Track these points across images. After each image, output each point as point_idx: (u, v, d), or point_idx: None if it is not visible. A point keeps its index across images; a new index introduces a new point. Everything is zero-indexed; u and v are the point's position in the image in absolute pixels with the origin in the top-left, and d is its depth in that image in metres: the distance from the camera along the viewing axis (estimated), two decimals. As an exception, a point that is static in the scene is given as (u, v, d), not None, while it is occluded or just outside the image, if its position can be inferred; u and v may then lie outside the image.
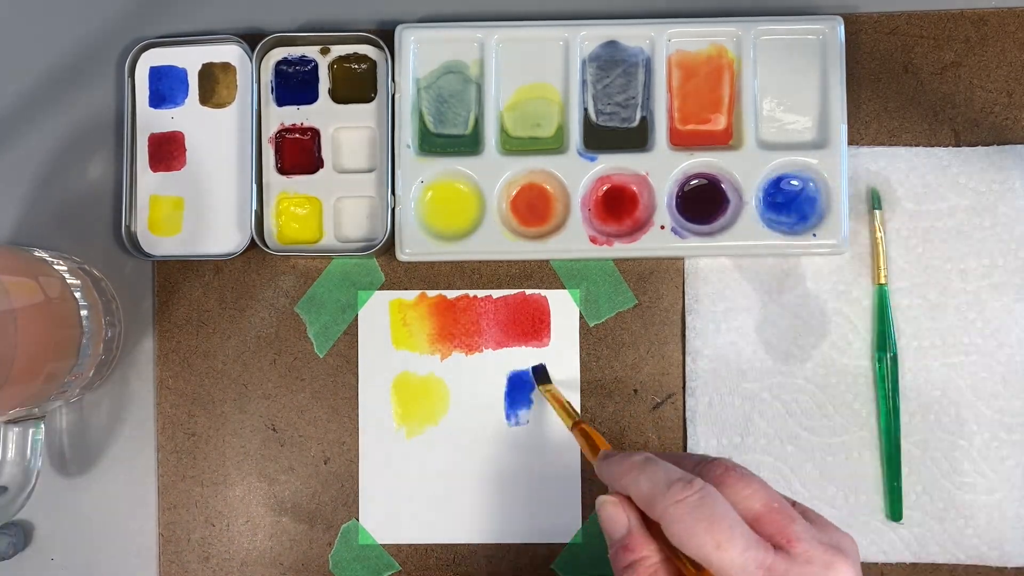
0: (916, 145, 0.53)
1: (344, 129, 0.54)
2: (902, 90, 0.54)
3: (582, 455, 0.53)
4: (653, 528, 0.38)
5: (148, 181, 0.55)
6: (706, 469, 0.38)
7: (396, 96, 0.53)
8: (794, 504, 0.38)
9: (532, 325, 0.54)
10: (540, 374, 0.53)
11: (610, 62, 0.54)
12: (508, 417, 0.54)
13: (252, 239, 0.53)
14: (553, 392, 0.51)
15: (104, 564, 0.54)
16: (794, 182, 0.52)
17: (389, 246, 0.54)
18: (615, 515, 0.39)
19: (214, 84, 0.55)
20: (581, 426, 0.46)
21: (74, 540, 0.54)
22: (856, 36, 0.54)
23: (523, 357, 0.54)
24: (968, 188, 0.53)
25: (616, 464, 0.39)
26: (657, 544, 0.37)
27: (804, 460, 0.52)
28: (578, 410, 0.49)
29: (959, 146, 0.53)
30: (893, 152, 0.53)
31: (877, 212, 0.53)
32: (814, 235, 0.52)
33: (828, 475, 0.52)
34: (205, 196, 0.55)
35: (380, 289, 0.54)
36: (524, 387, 0.54)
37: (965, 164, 0.53)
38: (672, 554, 0.37)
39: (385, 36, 0.54)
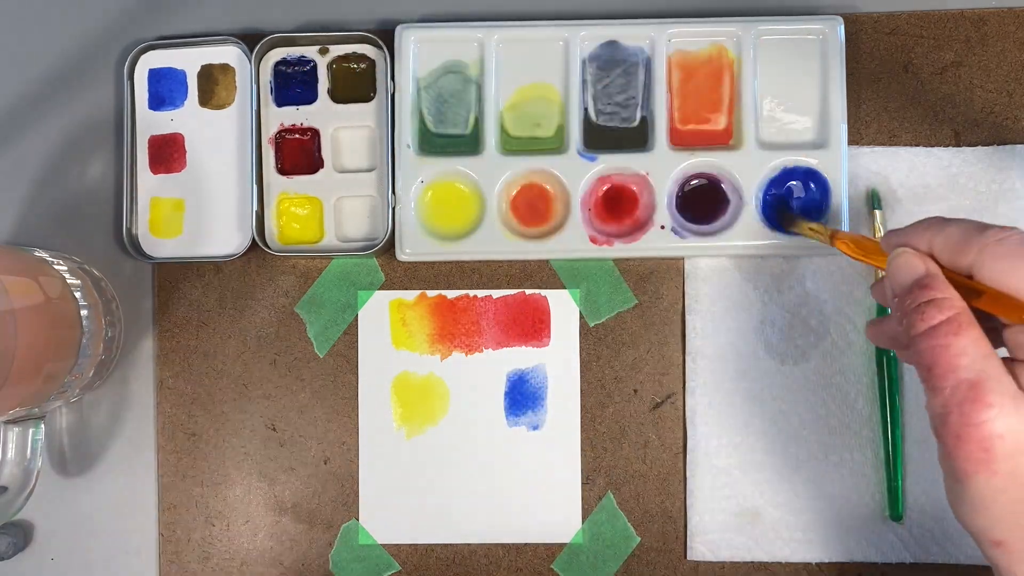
0: (916, 145, 0.53)
1: (344, 129, 0.54)
2: (902, 90, 0.54)
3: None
4: None
5: (148, 183, 0.55)
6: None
7: (396, 96, 0.53)
8: None
9: (532, 325, 0.54)
10: (786, 217, 0.52)
11: (610, 62, 0.53)
12: (508, 417, 0.54)
13: (253, 240, 0.53)
14: (806, 224, 0.49)
15: (104, 564, 0.54)
16: (794, 182, 0.52)
17: (389, 246, 0.54)
18: (912, 261, 0.37)
19: (213, 85, 0.55)
20: (839, 236, 0.45)
21: (74, 540, 0.55)
22: (856, 36, 0.54)
23: (523, 357, 0.54)
24: (968, 188, 0.53)
25: (914, 225, 0.38)
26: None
27: (804, 460, 0.52)
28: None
29: (959, 146, 0.53)
30: (893, 152, 0.53)
31: (877, 212, 0.53)
32: (814, 235, 0.52)
33: (828, 475, 0.52)
34: (205, 198, 0.55)
35: (380, 289, 0.54)
36: (524, 387, 0.54)
37: (965, 164, 0.53)
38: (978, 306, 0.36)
39: (384, 36, 0.54)
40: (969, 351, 0.34)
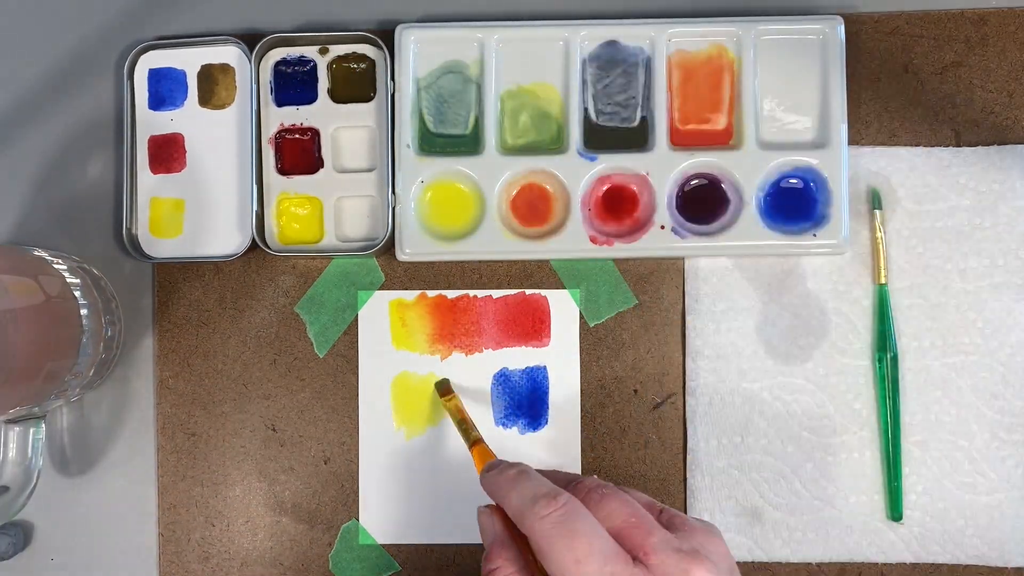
0: (916, 145, 0.53)
1: (344, 129, 0.54)
2: (902, 90, 0.54)
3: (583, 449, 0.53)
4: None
5: (148, 183, 0.55)
6: (574, 488, 0.39)
7: (396, 96, 0.53)
8: (661, 511, 0.40)
9: (532, 325, 0.54)
10: (442, 387, 0.53)
11: (610, 62, 0.53)
12: (508, 417, 0.54)
13: (253, 240, 0.53)
14: (456, 404, 0.51)
15: (104, 564, 0.54)
16: (794, 181, 0.52)
17: (389, 246, 0.54)
18: (484, 524, 0.41)
19: (213, 85, 0.55)
20: (480, 446, 0.47)
21: (74, 540, 0.55)
22: (856, 36, 0.54)
23: (523, 357, 0.54)
24: (968, 188, 0.53)
25: (494, 477, 0.41)
26: (521, 554, 0.39)
27: (804, 460, 0.52)
28: (478, 428, 0.50)
29: (959, 146, 0.53)
30: (893, 152, 0.53)
31: (877, 212, 0.53)
32: (814, 235, 0.52)
33: (828, 475, 0.52)
34: (205, 197, 0.55)
35: (380, 289, 0.54)
36: (524, 387, 0.54)
37: (965, 164, 0.53)
38: (536, 568, 0.38)
39: (384, 36, 0.54)
40: None
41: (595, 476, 0.40)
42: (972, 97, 0.53)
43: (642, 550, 0.37)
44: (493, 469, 0.41)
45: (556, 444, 0.53)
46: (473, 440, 0.48)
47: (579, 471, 0.53)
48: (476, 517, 0.41)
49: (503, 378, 0.54)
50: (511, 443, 0.54)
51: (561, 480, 0.40)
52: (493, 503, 0.41)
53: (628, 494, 0.40)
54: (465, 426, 0.49)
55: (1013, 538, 0.52)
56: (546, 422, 0.54)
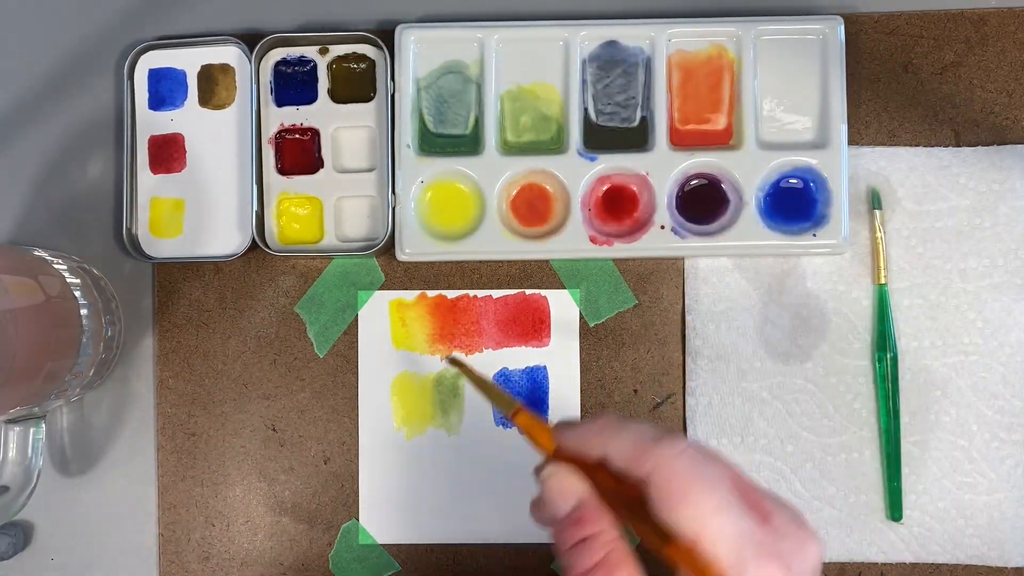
0: (916, 145, 0.53)
1: (344, 129, 0.54)
2: (902, 90, 0.54)
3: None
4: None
5: (148, 183, 0.55)
6: (671, 441, 0.34)
7: (396, 96, 0.53)
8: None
9: (532, 325, 0.54)
10: (454, 360, 0.47)
11: (610, 62, 0.54)
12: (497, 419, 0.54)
13: (253, 240, 0.53)
14: (479, 375, 0.45)
15: (104, 564, 0.54)
16: (794, 181, 0.52)
17: (389, 246, 0.54)
18: (566, 486, 0.35)
19: (213, 85, 0.55)
20: (525, 414, 0.40)
21: (74, 540, 0.55)
22: (856, 36, 0.54)
23: (523, 357, 0.54)
24: (968, 188, 0.53)
25: (586, 426, 0.35)
26: (615, 520, 0.34)
27: (804, 460, 0.52)
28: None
29: (959, 146, 0.53)
30: (893, 152, 0.53)
31: (877, 212, 0.53)
32: (814, 235, 0.52)
33: (828, 475, 0.52)
34: (205, 197, 0.55)
35: (380, 289, 0.54)
36: (524, 387, 0.54)
37: (965, 164, 0.53)
38: (632, 525, 0.33)
39: (384, 36, 0.54)
40: None
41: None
42: (972, 97, 0.53)
43: (761, 511, 0.33)
44: (574, 423, 0.36)
45: (556, 444, 0.53)
46: (515, 409, 0.40)
47: (579, 471, 0.53)
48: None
49: (503, 378, 0.54)
50: (510, 443, 0.53)
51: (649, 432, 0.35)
52: (558, 464, 0.35)
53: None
54: (495, 393, 0.42)
55: (1013, 538, 0.52)
56: (547, 421, 0.53)
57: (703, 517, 0.32)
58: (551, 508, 0.35)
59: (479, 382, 0.43)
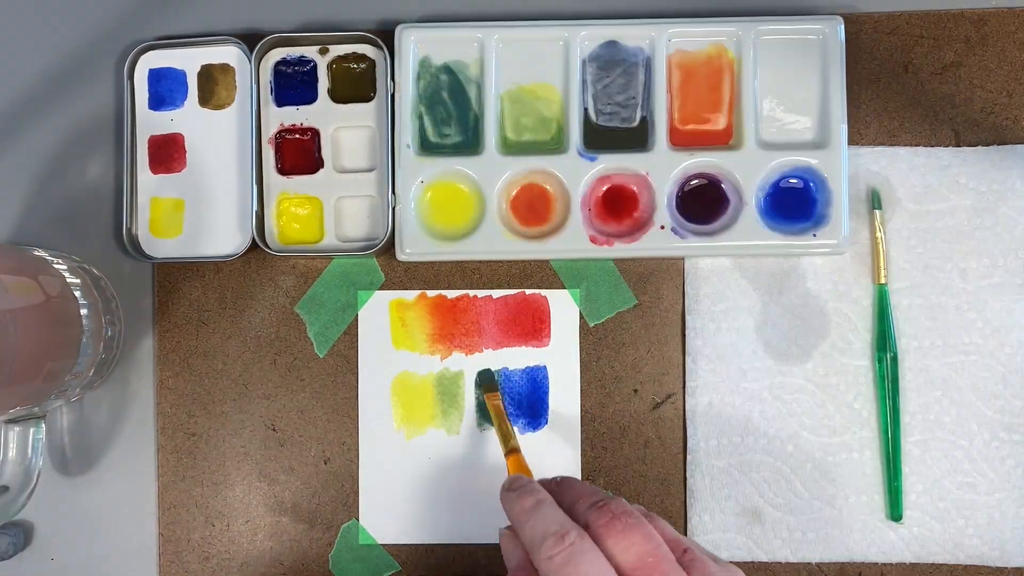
0: (916, 145, 0.53)
1: (344, 129, 0.54)
2: (902, 90, 0.54)
3: (584, 457, 0.53)
4: None
5: (148, 183, 0.55)
6: (598, 511, 0.38)
7: (396, 96, 0.53)
8: (685, 551, 0.38)
9: (532, 325, 0.54)
10: (487, 381, 0.53)
11: (610, 62, 0.54)
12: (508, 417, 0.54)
13: (253, 240, 0.53)
14: (500, 406, 0.51)
15: (104, 564, 0.54)
16: (794, 181, 0.52)
17: (389, 246, 0.54)
18: (506, 549, 0.40)
19: (213, 85, 0.55)
20: (516, 457, 0.47)
21: (74, 540, 0.55)
22: (856, 36, 0.54)
23: (523, 357, 0.54)
24: (968, 188, 0.53)
25: (512, 501, 0.40)
26: None
27: (804, 460, 0.52)
28: (516, 436, 0.50)
29: (959, 146, 0.53)
30: (893, 152, 0.53)
31: (877, 212, 0.53)
32: (814, 235, 0.52)
33: (828, 475, 0.52)
34: (205, 197, 0.55)
35: (380, 289, 0.54)
36: (524, 387, 0.54)
37: (965, 164, 0.53)
38: None
39: (384, 36, 0.54)
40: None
41: (623, 500, 0.39)
42: (972, 97, 0.53)
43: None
44: (513, 490, 0.41)
45: (556, 444, 0.53)
46: (510, 449, 0.47)
47: (579, 471, 0.53)
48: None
49: (503, 378, 0.54)
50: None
51: (587, 497, 0.39)
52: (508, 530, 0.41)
53: (654, 523, 0.39)
54: (504, 430, 0.49)
55: (1013, 538, 0.52)
56: (546, 422, 0.54)
57: None
58: (505, 562, 0.40)
59: (496, 410, 0.50)
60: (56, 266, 0.51)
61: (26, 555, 0.54)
